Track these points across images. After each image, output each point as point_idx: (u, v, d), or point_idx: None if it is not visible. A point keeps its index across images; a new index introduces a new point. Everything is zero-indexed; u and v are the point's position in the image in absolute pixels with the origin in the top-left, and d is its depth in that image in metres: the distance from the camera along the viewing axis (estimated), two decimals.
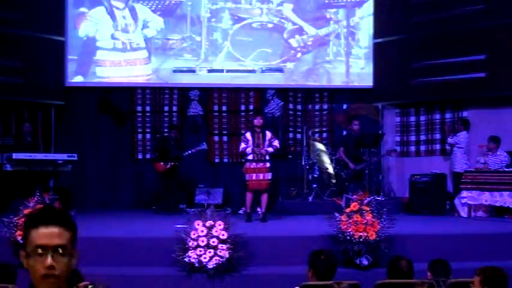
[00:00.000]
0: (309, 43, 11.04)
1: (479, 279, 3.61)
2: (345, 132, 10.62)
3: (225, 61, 10.91)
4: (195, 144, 9.70)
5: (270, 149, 8.07)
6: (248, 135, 8.14)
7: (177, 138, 9.93)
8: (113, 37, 10.80)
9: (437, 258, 4.42)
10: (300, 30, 11.03)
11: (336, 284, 3.60)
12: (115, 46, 10.81)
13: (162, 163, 9.43)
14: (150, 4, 10.87)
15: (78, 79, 10.73)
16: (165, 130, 10.47)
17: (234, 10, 10.97)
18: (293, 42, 11.03)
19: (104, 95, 10.85)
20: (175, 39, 10.87)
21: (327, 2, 11.09)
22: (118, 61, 10.80)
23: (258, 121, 8.12)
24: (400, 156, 10.96)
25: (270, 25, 11.03)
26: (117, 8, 10.82)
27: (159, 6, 10.86)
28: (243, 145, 8.13)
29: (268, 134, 8.16)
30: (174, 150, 9.48)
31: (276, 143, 8.18)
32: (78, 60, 10.73)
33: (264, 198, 8.12)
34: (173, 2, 10.89)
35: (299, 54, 11.05)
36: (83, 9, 10.77)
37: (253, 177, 8.02)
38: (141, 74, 10.92)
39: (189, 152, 9.52)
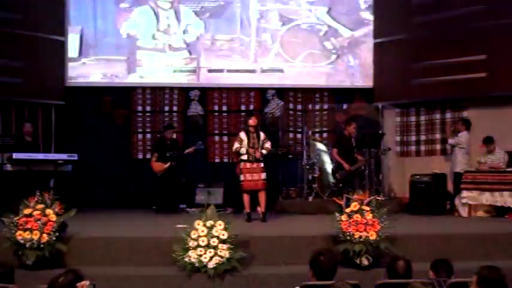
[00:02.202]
0: (345, 45, 11.10)
1: (475, 279, 3.61)
2: (338, 133, 10.60)
3: (274, 62, 10.97)
4: (192, 144, 9.70)
5: (264, 151, 8.07)
6: (242, 135, 8.10)
7: (173, 138, 9.94)
8: (154, 37, 10.86)
9: (440, 258, 4.42)
10: (335, 32, 11.09)
11: (340, 285, 3.59)
12: (156, 46, 10.87)
13: (159, 163, 9.44)
14: (196, 5, 10.91)
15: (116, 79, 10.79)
16: (166, 130, 10.44)
17: (283, 11, 11.01)
18: (329, 44, 11.09)
19: (104, 95, 10.86)
20: (224, 40, 10.93)
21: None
22: (159, 61, 10.87)
23: (252, 121, 8.09)
24: (400, 156, 10.96)
25: (318, 26, 11.05)
26: (162, 9, 10.88)
27: (208, 7, 10.91)
28: (237, 145, 8.10)
29: (262, 135, 8.14)
30: (170, 150, 9.47)
31: (268, 144, 8.15)
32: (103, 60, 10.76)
33: (262, 197, 8.11)
34: (222, 3, 10.93)
35: (333, 56, 11.09)
36: (123, 5, 10.81)
37: (248, 178, 8.01)
38: (183, 74, 10.95)
39: (187, 151, 9.52)
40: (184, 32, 10.91)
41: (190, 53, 10.89)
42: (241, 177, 8.07)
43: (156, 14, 10.89)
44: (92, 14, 10.77)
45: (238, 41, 10.95)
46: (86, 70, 10.76)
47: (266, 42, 10.98)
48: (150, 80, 10.92)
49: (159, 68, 10.85)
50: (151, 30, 10.87)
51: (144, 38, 10.85)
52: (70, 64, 10.69)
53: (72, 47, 10.71)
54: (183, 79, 10.96)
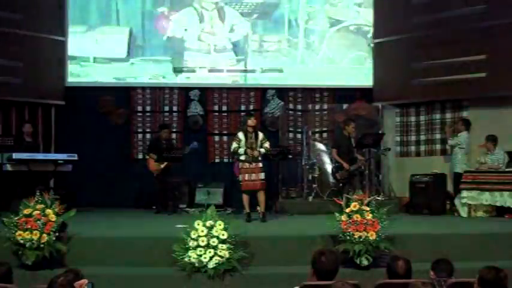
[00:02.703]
0: None
1: (477, 279, 3.61)
2: (337, 133, 10.60)
3: (321, 63, 11.03)
4: (187, 144, 9.72)
5: (262, 150, 8.09)
6: (240, 135, 8.10)
7: (168, 138, 9.94)
8: (200, 39, 10.93)
9: (440, 258, 4.41)
10: None
11: (340, 284, 3.59)
12: (201, 47, 10.94)
13: (155, 163, 9.45)
14: (243, 6, 10.98)
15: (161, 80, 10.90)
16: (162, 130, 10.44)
17: (331, 12, 11.04)
18: None
19: (104, 95, 10.86)
20: (272, 42, 10.99)
21: None
22: (205, 62, 10.95)
23: (252, 121, 8.11)
24: (400, 156, 10.96)
25: (365, 28, 11.12)
26: (206, 10, 10.95)
27: (255, 9, 10.97)
28: (235, 145, 8.11)
29: (260, 135, 8.15)
30: (166, 150, 9.47)
31: (267, 144, 8.17)
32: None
33: (261, 197, 8.11)
34: (271, 4, 10.97)
35: None
36: (162, 9, 10.88)
37: (247, 178, 8.02)
38: (229, 75, 11.03)
39: (185, 152, 9.53)
40: (230, 33, 10.98)
41: (236, 54, 10.94)
42: (240, 178, 8.08)
43: (201, 15, 10.97)
44: (140, 14, 10.86)
45: (286, 42, 11.02)
46: (134, 70, 10.87)
47: (314, 43, 11.05)
48: (196, 81, 11.02)
49: (204, 68, 10.95)
50: (197, 32, 10.95)
51: (190, 39, 10.93)
52: (117, 64, 10.82)
53: (121, 48, 10.81)
54: (228, 80, 11.05)
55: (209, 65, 10.93)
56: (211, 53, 10.93)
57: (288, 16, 11.02)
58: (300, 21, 11.02)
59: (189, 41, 10.93)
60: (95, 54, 10.81)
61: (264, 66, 10.97)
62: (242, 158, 8.03)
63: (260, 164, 8.07)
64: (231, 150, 8.33)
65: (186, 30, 10.88)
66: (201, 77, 11.00)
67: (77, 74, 10.78)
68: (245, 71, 11.01)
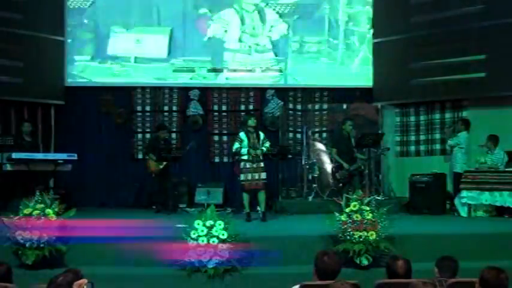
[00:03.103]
0: None
1: (478, 279, 3.62)
2: (336, 133, 10.60)
3: (361, 65, 11.03)
4: (186, 144, 9.73)
5: (264, 149, 8.15)
6: (242, 135, 8.15)
7: (166, 138, 9.94)
8: (240, 39, 10.96)
9: (446, 255, 4.42)
10: None
11: (340, 284, 3.59)
12: (241, 48, 10.97)
13: (155, 163, 9.44)
14: (283, 7, 11.00)
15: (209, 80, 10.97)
16: (160, 131, 10.43)
17: (371, 14, 11.02)
18: None
19: (104, 94, 10.86)
20: (312, 43, 11.01)
21: None
22: (244, 63, 10.98)
23: (252, 121, 8.15)
24: (400, 156, 10.96)
25: None
26: (247, 11, 10.98)
27: (295, 10, 10.98)
28: (237, 145, 8.15)
29: (262, 135, 8.22)
30: (164, 150, 9.47)
31: (267, 144, 8.26)
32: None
33: (262, 197, 8.13)
34: (311, 5, 11.01)
35: None
36: (202, 10, 10.92)
37: (249, 178, 8.03)
38: (268, 76, 11.04)
39: (184, 152, 9.54)
40: (270, 33, 10.99)
41: (276, 55, 10.97)
42: (242, 177, 8.09)
43: (241, 16, 11.00)
44: (181, 15, 10.89)
45: (326, 43, 11.03)
46: (172, 71, 10.91)
47: (354, 44, 11.06)
48: (236, 82, 11.04)
49: (244, 69, 11.00)
50: (237, 32, 10.97)
51: (231, 39, 10.98)
52: (157, 65, 10.85)
53: (162, 48, 10.85)
54: (268, 80, 11.06)
55: (250, 66, 10.98)
56: (252, 54, 10.98)
57: (328, 17, 11.06)
58: (341, 22, 11.07)
59: (229, 42, 10.98)
60: (136, 54, 10.86)
61: (306, 68, 11.03)
62: (244, 157, 8.06)
63: (262, 164, 8.09)
64: (233, 150, 8.36)
65: (226, 31, 10.93)
66: (240, 77, 11.03)
67: (118, 74, 10.85)
68: (245, 71, 11.00)
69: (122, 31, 10.83)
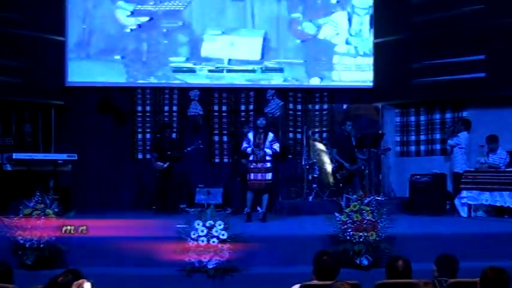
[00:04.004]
0: None
1: (479, 279, 3.62)
2: (336, 133, 10.61)
3: (361, 65, 11.05)
4: (192, 143, 9.70)
5: (269, 151, 8.06)
6: (250, 135, 8.19)
7: (171, 138, 9.94)
8: (347, 42, 11.07)
9: (444, 254, 4.41)
10: None
11: (340, 284, 3.59)
12: (348, 51, 11.07)
13: (158, 163, 9.44)
14: None
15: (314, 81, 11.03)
16: (162, 130, 10.45)
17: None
18: None
19: (104, 95, 10.87)
20: None
21: None
22: (349, 66, 11.04)
23: (260, 122, 8.16)
24: (400, 156, 10.96)
25: None
26: (358, 15, 11.06)
27: None
28: (244, 144, 8.19)
29: (270, 136, 8.17)
30: (169, 149, 9.47)
31: (276, 146, 8.17)
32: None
33: (265, 198, 8.14)
34: None
35: None
36: (296, 14, 11.02)
37: (253, 177, 8.04)
38: (366, 79, 11.07)
39: (186, 151, 9.51)
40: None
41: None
42: (248, 176, 8.11)
43: (350, 19, 11.08)
44: (275, 18, 10.99)
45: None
46: (268, 73, 10.99)
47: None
48: (331, 84, 11.09)
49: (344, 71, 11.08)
50: (345, 35, 11.07)
51: (337, 42, 11.07)
52: (251, 67, 10.92)
53: (255, 50, 10.95)
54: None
55: (355, 68, 11.04)
56: (356, 57, 11.07)
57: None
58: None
59: (338, 45, 11.05)
60: (230, 56, 10.95)
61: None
62: (250, 158, 8.07)
63: (267, 165, 8.07)
64: (241, 149, 8.40)
65: (338, 34, 11.04)
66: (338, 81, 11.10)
67: (211, 76, 10.96)
68: (245, 71, 11.01)
69: (217, 33, 10.94)
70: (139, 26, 10.86)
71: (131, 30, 10.87)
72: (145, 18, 10.87)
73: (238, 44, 10.95)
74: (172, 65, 10.88)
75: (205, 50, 10.91)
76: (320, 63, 11.01)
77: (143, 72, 10.90)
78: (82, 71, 10.71)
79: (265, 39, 10.96)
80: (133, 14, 10.84)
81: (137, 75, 10.91)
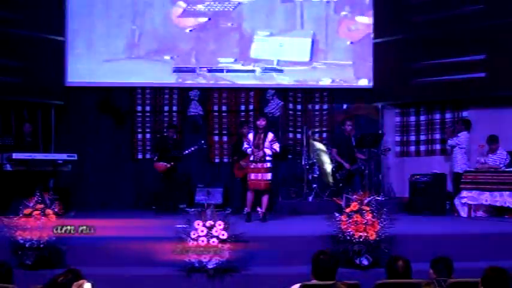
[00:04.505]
0: None
1: (481, 279, 3.62)
2: (336, 133, 10.61)
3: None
4: (194, 143, 9.70)
5: (268, 151, 8.06)
6: (250, 135, 8.21)
7: (175, 138, 9.94)
8: None
9: (440, 256, 4.41)
10: None
11: (340, 284, 3.60)
12: None
13: (162, 163, 9.43)
14: None
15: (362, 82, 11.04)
16: (164, 130, 10.46)
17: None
18: None
19: (104, 95, 10.87)
20: None
21: None
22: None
23: (260, 122, 8.17)
24: (400, 156, 10.97)
25: None
26: None
27: None
28: (245, 145, 8.24)
29: (270, 136, 8.16)
30: (172, 150, 9.48)
31: (276, 146, 8.17)
32: None
33: (265, 198, 8.14)
34: None
35: None
36: (344, 13, 11.10)
37: (252, 177, 8.05)
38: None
39: (188, 151, 9.51)
40: None
41: None
42: (248, 176, 8.14)
43: None
44: (323, 19, 11.01)
45: None
46: (316, 74, 11.01)
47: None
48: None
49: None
50: None
51: None
52: (299, 68, 10.95)
53: (304, 51, 10.98)
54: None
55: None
56: None
57: None
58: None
59: None
60: (279, 57, 10.98)
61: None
62: (250, 158, 8.07)
63: (267, 165, 8.07)
64: (242, 149, 8.44)
65: None
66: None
67: (260, 77, 11.01)
68: (245, 71, 11.01)
69: (266, 35, 11.00)
70: (189, 27, 10.95)
71: (182, 31, 10.95)
72: (196, 20, 10.98)
73: (287, 45, 11.02)
74: (220, 65, 10.98)
75: (255, 51, 10.99)
76: (368, 65, 10.99)
77: (193, 72, 10.99)
78: (134, 71, 10.81)
79: (313, 40, 11.00)
80: (184, 15, 10.92)
81: (186, 76, 10.99)
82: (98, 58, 10.76)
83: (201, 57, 10.95)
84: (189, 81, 11.00)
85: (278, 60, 10.98)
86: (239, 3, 10.97)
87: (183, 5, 10.93)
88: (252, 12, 10.97)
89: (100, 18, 10.77)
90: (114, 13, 10.79)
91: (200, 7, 10.96)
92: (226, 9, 10.96)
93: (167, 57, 10.91)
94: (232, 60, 10.97)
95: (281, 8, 11.01)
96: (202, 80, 11.00)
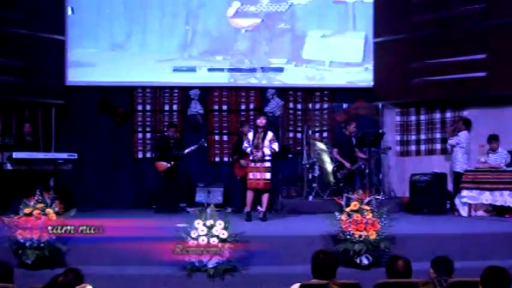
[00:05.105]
0: None
1: (480, 279, 3.63)
2: (338, 133, 10.61)
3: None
4: (195, 142, 9.70)
5: (267, 151, 8.05)
6: (250, 134, 8.19)
7: (176, 137, 9.94)
8: None
9: (440, 256, 4.42)
10: None
11: (332, 284, 3.60)
12: None
13: (163, 162, 9.43)
14: None
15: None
16: (164, 129, 10.45)
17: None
18: None
19: (104, 94, 10.87)
20: None
21: None
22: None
23: (260, 121, 8.15)
24: (400, 155, 10.96)
25: None
26: None
27: None
28: (245, 144, 8.23)
29: (269, 135, 8.15)
30: (173, 149, 9.48)
31: (275, 146, 8.14)
32: None
33: (265, 197, 8.15)
34: None
35: None
36: None
37: (252, 176, 8.05)
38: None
39: (189, 150, 9.51)
40: None
41: None
42: (247, 176, 8.15)
43: None
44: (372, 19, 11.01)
45: None
46: (368, 75, 11.00)
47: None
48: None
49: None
50: None
51: None
52: (352, 69, 10.98)
53: (357, 52, 11.03)
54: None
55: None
56: None
57: None
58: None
59: None
60: (331, 58, 11.00)
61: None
62: (251, 157, 8.08)
63: (266, 164, 8.06)
64: (241, 148, 8.45)
65: None
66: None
67: (313, 77, 11.01)
68: (245, 70, 11.01)
69: (318, 35, 11.01)
70: (242, 27, 11.00)
71: (235, 31, 10.99)
72: (249, 20, 10.99)
73: (339, 46, 11.04)
74: (272, 66, 11.01)
75: (307, 52, 11.01)
76: None
77: (245, 72, 11.04)
78: (184, 71, 10.87)
79: (366, 41, 11.01)
80: (237, 15, 10.96)
81: (238, 76, 11.03)
82: (149, 58, 10.82)
83: (254, 57, 11.01)
84: (242, 81, 11.05)
85: (330, 61, 11.00)
86: (292, 4, 11.01)
87: (236, 5, 10.98)
88: (305, 13, 11.01)
89: (154, 18, 10.86)
90: (167, 13, 10.88)
91: (253, 8, 11.01)
92: (279, 10, 11.02)
93: (219, 58, 10.97)
94: (284, 60, 11.02)
95: (333, 9, 11.05)
96: (254, 80, 11.04)
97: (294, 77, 11.05)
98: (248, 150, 8.11)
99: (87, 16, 10.76)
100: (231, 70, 11.00)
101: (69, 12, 10.66)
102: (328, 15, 11.03)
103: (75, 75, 10.70)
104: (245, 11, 10.99)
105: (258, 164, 8.03)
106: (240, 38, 11.00)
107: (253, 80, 11.06)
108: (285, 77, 11.06)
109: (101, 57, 10.77)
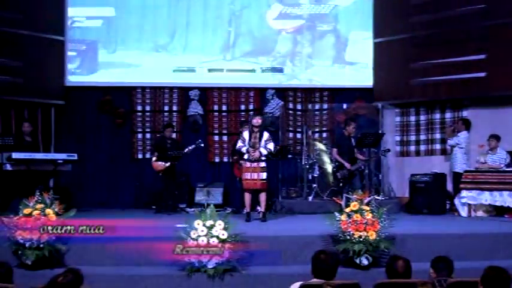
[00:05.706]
0: None
1: (480, 279, 3.63)
2: (337, 133, 10.61)
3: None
4: (192, 143, 9.69)
5: (264, 151, 8.03)
6: (246, 134, 8.14)
7: (173, 138, 9.94)
8: None
9: (440, 255, 4.41)
10: None
11: (326, 285, 3.61)
12: None
13: (159, 162, 9.43)
14: None
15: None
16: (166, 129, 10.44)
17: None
18: None
19: (104, 94, 10.87)
20: None
21: None
22: None
23: (256, 121, 8.09)
24: (400, 156, 10.96)
25: None
26: None
27: None
28: (239, 144, 8.14)
29: (265, 135, 8.11)
30: (171, 149, 9.47)
31: (271, 145, 8.10)
32: None
33: (262, 197, 8.12)
34: None
35: None
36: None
37: (248, 177, 8.03)
38: None
39: (186, 150, 9.50)
40: None
41: None
42: (243, 176, 8.10)
43: None
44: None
45: None
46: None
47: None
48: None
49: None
50: None
51: None
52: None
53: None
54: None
55: None
56: None
57: None
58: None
59: None
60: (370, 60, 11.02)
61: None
62: (245, 157, 8.05)
63: (262, 164, 8.04)
64: (236, 148, 8.40)
65: None
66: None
67: (349, 78, 11.03)
68: (245, 70, 11.02)
69: (362, 37, 11.02)
70: (285, 29, 11.04)
71: (277, 33, 11.03)
72: (292, 22, 11.03)
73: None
74: (314, 68, 11.03)
75: (349, 54, 11.04)
76: None
77: (289, 74, 11.06)
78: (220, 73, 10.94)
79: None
80: (279, 17, 10.99)
81: (281, 78, 11.05)
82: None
83: (297, 59, 11.03)
84: (268, 81, 11.06)
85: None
86: (335, 6, 11.03)
87: (279, 7, 10.99)
88: (348, 14, 11.04)
89: (196, 18, 10.91)
90: (210, 14, 10.95)
91: (296, 10, 11.03)
92: (322, 12, 11.04)
93: (262, 59, 11.00)
94: (330, 63, 11.06)
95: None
96: (254, 80, 11.06)
97: (295, 77, 11.02)
98: (244, 149, 8.06)
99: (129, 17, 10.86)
100: (230, 71, 11.00)
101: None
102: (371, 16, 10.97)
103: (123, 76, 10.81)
104: (288, 12, 11.04)
105: (254, 164, 8.01)
106: (283, 40, 11.03)
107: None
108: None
109: (143, 59, 10.88)
